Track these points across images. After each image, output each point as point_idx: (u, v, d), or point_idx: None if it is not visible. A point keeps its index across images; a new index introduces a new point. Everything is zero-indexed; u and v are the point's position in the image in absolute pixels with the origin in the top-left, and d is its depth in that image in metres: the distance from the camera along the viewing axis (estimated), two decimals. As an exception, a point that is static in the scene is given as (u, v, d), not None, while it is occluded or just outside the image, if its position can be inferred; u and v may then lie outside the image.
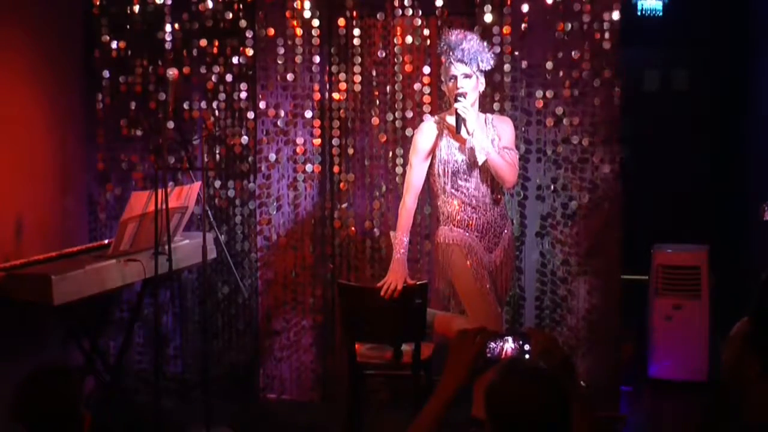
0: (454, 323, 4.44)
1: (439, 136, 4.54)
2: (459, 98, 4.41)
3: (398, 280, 4.39)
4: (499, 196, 4.58)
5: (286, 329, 5.45)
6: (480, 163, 4.44)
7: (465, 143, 4.45)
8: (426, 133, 4.57)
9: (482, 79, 4.53)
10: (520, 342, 2.52)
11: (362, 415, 4.64)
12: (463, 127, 4.41)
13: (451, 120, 4.50)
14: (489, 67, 4.54)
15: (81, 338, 4.85)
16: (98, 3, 5.54)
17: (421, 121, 5.01)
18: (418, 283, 4.47)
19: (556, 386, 2.27)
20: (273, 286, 5.44)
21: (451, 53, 4.44)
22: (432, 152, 4.54)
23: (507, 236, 4.63)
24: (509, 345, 2.53)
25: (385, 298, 4.35)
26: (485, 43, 4.55)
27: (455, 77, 4.44)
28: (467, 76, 4.44)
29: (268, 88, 5.40)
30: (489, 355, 2.52)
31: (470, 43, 4.44)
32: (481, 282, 4.47)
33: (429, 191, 4.75)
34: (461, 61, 4.42)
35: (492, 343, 2.52)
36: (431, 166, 4.56)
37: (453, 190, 4.52)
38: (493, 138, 4.51)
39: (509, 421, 2.25)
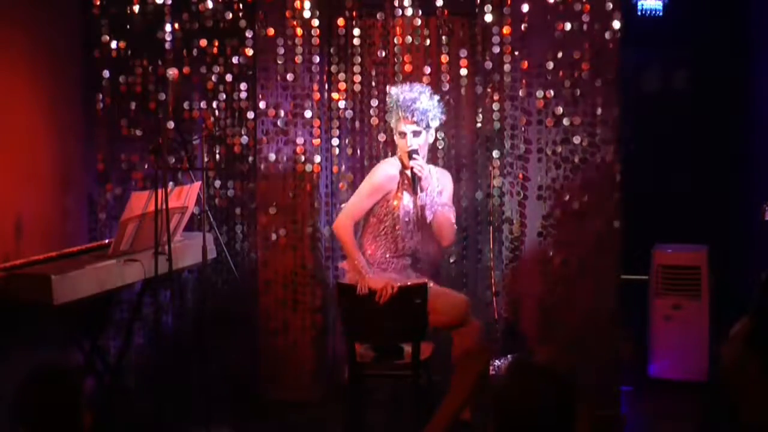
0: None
1: (398, 186, 4.67)
2: (413, 156, 4.55)
3: (387, 283, 4.40)
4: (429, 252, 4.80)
5: (286, 329, 5.45)
6: (429, 221, 4.61)
7: (417, 198, 4.61)
8: (391, 176, 4.66)
9: (432, 131, 4.67)
10: None
11: (362, 415, 4.64)
12: (418, 184, 4.56)
13: (408, 174, 4.62)
14: (437, 124, 4.70)
15: (81, 338, 4.85)
16: (98, 3, 5.54)
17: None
18: (417, 283, 4.47)
19: (562, 386, 2.28)
20: (273, 286, 5.44)
21: (401, 112, 4.56)
22: (386, 194, 4.66)
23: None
24: None
25: (381, 302, 4.38)
26: (436, 99, 4.67)
27: (405, 134, 4.58)
28: (416, 133, 4.58)
29: (268, 88, 5.40)
30: (494, 372, 2.55)
31: (421, 103, 4.57)
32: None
33: (363, 225, 4.77)
34: (412, 121, 4.55)
35: (497, 360, 2.56)
36: (379, 206, 4.67)
37: (393, 239, 4.66)
38: (441, 190, 4.67)
39: (516, 419, 2.26)
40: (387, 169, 4.69)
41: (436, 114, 4.64)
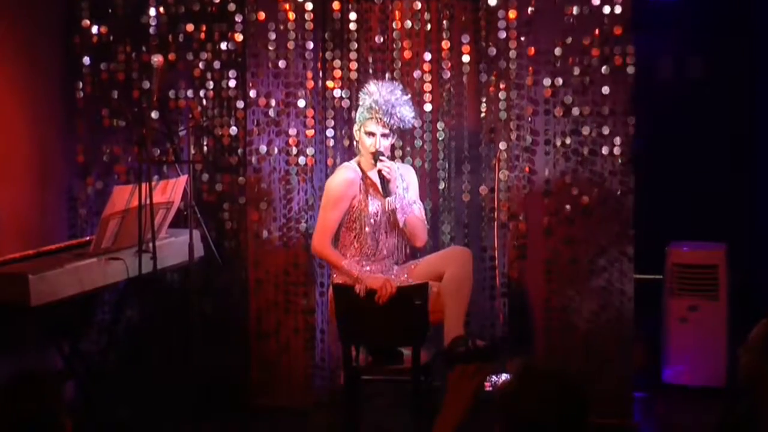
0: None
1: (360, 189, 4.71)
2: (380, 158, 4.60)
3: (386, 282, 4.41)
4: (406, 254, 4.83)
5: (278, 331, 5.46)
6: (401, 225, 4.67)
7: (385, 202, 4.66)
8: (350, 181, 4.71)
9: (395, 134, 4.75)
10: None
11: (359, 422, 4.65)
12: (387, 187, 4.62)
13: (373, 176, 4.67)
14: (407, 128, 4.81)
15: (60, 341, 4.86)
16: (78, -15, 5.55)
17: (421, 110, 5.16)
18: (417, 283, 4.48)
19: (573, 391, 2.29)
20: (264, 285, 5.45)
21: (376, 113, 4.62)
22: (350, 202, 4.71)
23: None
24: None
25: (381, 303, 4.39)
26: (411, 103, 4.77)
27: (374, 134, 4.63)
28: (386, 135, 4.65)
29: (259, 75, 5.41)
30: (490, 388, 2.57)
31: (401, 109, 4.65)
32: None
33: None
34: (385, 124, 4.62)
35: (493, 377, 2.58)
36: (347, 214, 4.72)
37: (365, 245, 4.69)
38: (406, 186, 4.75)
39: (521, 423, 2.28)
40: (344, 175, 4.74)
41: (409, 119, 4.74)
